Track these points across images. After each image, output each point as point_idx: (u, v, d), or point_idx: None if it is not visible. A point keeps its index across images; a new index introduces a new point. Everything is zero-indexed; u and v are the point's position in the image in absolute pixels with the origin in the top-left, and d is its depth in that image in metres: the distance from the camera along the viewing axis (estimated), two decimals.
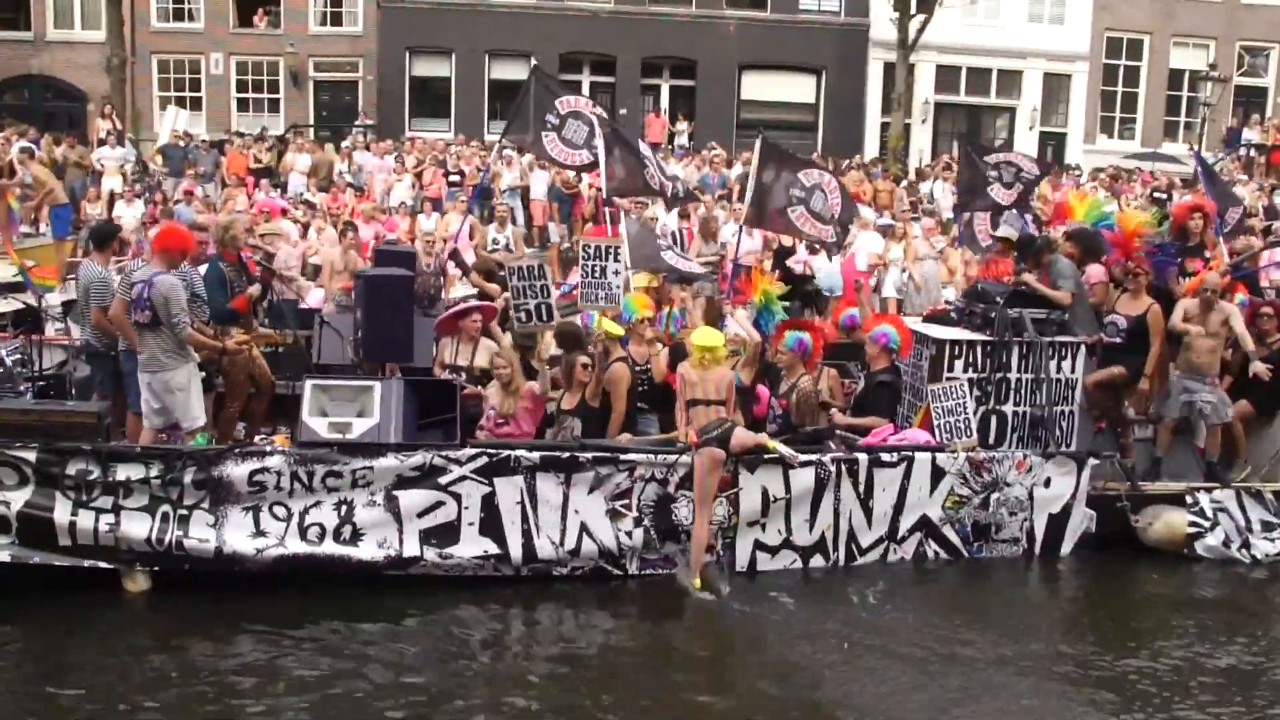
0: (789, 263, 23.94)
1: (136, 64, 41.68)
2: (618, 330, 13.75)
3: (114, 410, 12.66)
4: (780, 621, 12.17)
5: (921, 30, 41.08)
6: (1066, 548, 13.99)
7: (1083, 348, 14.23)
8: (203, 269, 13.43)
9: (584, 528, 12.56)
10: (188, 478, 11.85)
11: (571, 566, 12.63)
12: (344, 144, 36.37)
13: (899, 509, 13.36)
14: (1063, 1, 45.88)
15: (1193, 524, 14.20)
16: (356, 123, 42.01)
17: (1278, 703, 10.93)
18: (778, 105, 45.60)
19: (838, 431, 13.73)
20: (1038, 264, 14.79)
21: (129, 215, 25.39)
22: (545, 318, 14.38)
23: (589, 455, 12.60)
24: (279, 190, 30.81)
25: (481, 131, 41.02)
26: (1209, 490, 14.43)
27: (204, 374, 12.89)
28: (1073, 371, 14.13)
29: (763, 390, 14.17)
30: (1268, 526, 14.50)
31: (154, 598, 11.93)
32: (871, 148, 43.81)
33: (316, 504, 12.09)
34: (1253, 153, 41.83)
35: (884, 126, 43.99)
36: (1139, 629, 12.61)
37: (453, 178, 31.88)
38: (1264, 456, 15.06)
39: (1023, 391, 13.98)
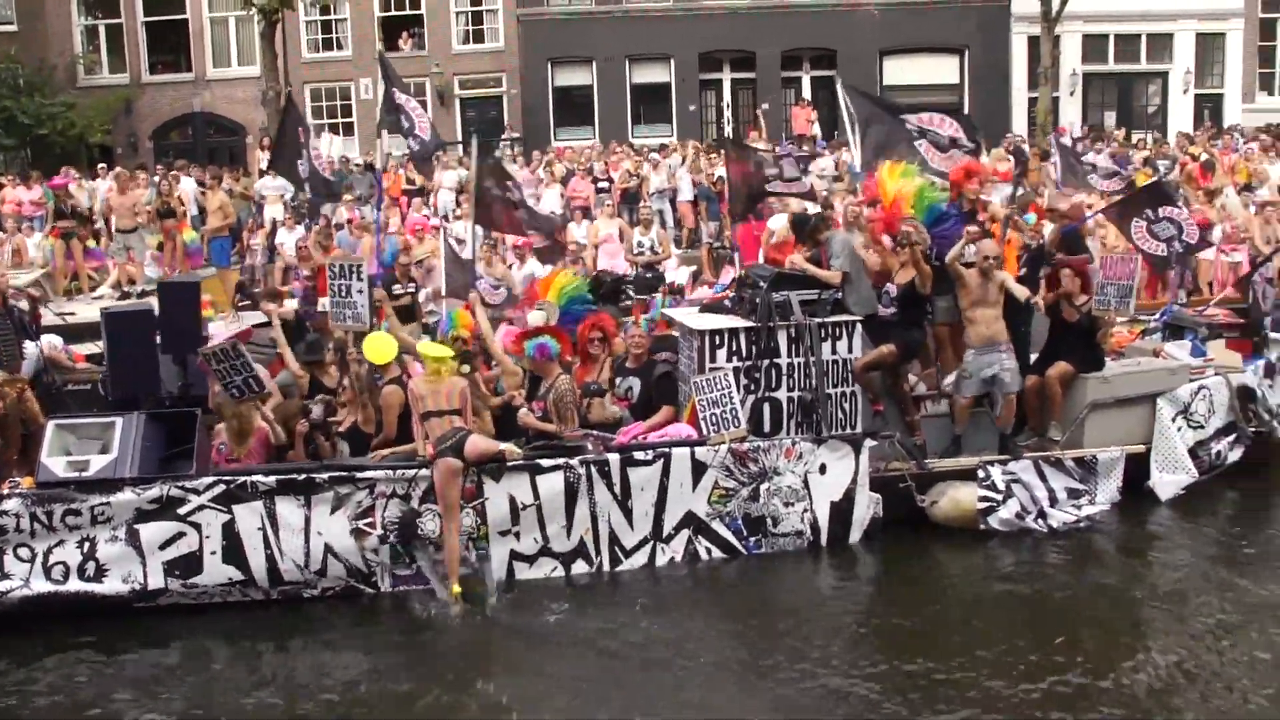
0: None
1: (291, 94, 42.78)
2: (386, 356, 13.77)
3: None
4: (538, 632, 12.01)
5: (1065, 0, 39.66)
6: (854, 536, 13.53)
7: (858, 327, 13.79)
8: None
9: (329, 549, 12.52)
10: None
11: (321, 587, 12.64)
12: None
13: (661, 507, 13.04)
14: None
15: (983, 498, 13.70)
16: (503, 136, 42.62)
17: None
18: (921, 88, 44.22)
19: (593, 433, 13.56)
20: (814, 243, 14.32)
21: (290, 241, 26.08)
22: (254, 390, 13.52)
23: (326, 475, 12.60)
24: (430, 209, 31.17)
25: (626, 137, 41.23)
26: (1003, 462, 13.89)
27: None
28: (849, 352, 13.71)
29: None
30: (1074, 494, 14.05)
31: None
32: (1019, 124, 42.63)
33: (60, 543, 12.26)
34: None
35: (1031, 101, 42.50)
36: (907, 621, 12.11)
37: (601, 184, 31.97)
38: (1066, 420, 14.50)
39: (795, 376, 13.60)
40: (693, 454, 13.09)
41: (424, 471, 12.55)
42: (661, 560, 13.18)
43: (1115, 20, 43.72)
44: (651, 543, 13.15)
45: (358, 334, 14.56)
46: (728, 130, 43.66)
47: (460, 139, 43.36)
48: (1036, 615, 12.18)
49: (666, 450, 13.08)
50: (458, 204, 30.92)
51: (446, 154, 38.27)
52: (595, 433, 13.57)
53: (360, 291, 14.55)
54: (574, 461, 12.86)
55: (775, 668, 11.01)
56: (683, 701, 10.57)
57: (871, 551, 13.53)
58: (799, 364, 13.61)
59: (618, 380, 14.46)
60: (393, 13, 44.43)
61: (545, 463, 12.82)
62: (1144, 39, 44.54)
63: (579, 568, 13.03)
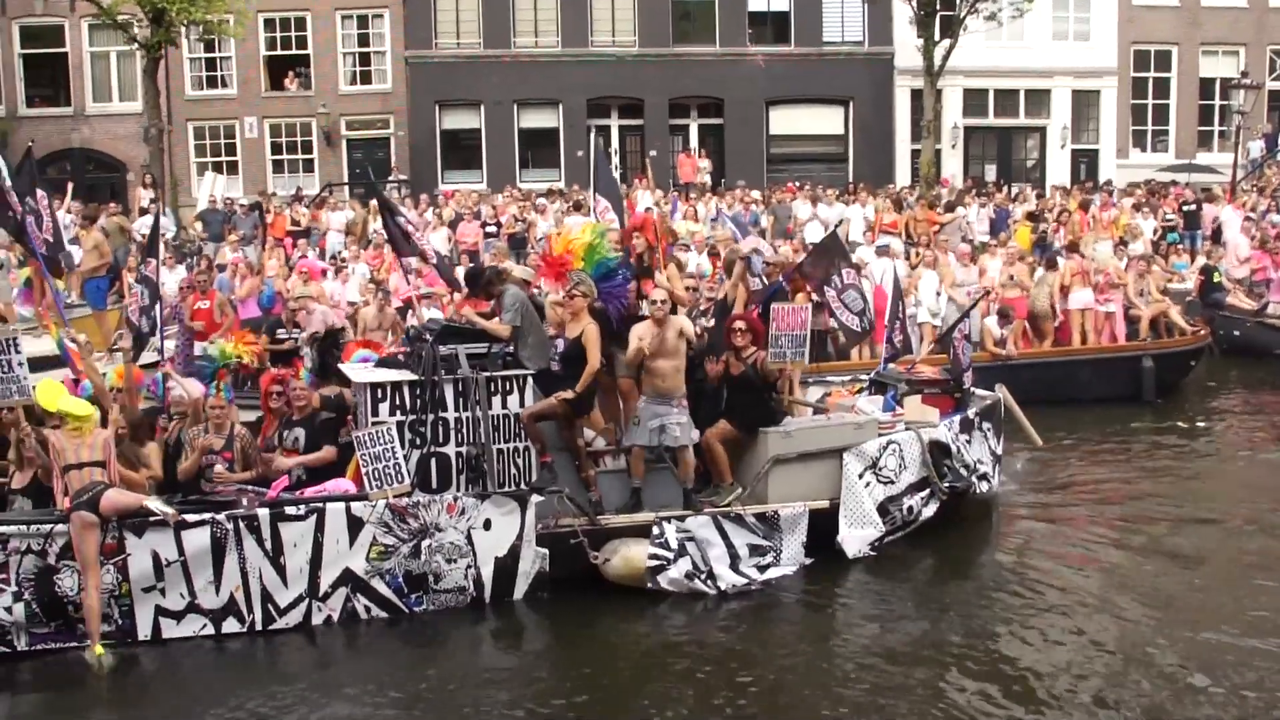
0: None
1: (173, 132, 42.40)
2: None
3: None
4: (181, 694, 11.64)
5: (947, 56, 39.72)
6: (519, 592, 13.26)
7: (530, 381, 13.61)
8: None
9: None
10: None
11: None
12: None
13: (316, 563, 12.65)
14: (1088, 18, 45.05)
15: (654, 556, 13.39)
16: (390, 178, 42.36)
17: None
18: (806, 138, 45.01)
19: (248, 488, 13.29)
20: (489, 295, 14.19)
21: (170, 281, 25.55)
22: None
23: None
24: (315, 251, 31.18)
25: (514, 181, 41.21)
26: (680, 519, 13.64)
27: None
28: (520, 406, 13.52)
29: None
30: (757, 550, 13.85)
31: None
32: (903, 175, 42.93)
33: None
34: None
35: (914, 154, 42.87)
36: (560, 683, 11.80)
37: (489, 228, 31.99)
38: (749, 476, 14.32)
39: (464, 431, 13.39)
40: (348, 509, 12.75)
41: (61, 526, 12.07)
42: (318, 619, 12.81)
43: (995, 76, 44.35)
44: (307, 600, 12.77)
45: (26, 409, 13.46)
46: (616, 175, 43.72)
47: (347, 180, 43.32)
48: (698, 678, 11.78)
49: (320, 505, 12.73)
50: (345, 245, 30.83)
51: (334, 195, 38.26)
52: (251, 488, 13.33)
53: (20, 364, 13.10)
54: (220, 516, 12.46)
55: None
56: None
57: (536, 610, 13.25)
58: (467, 418, 13.42)
59: (284, 433, 14.09)
60: (279, 52, 44.10)
61: (190, 518, 12.40)
62: (1022, 94, 45.29)
63: (230, 625, 12.60)
